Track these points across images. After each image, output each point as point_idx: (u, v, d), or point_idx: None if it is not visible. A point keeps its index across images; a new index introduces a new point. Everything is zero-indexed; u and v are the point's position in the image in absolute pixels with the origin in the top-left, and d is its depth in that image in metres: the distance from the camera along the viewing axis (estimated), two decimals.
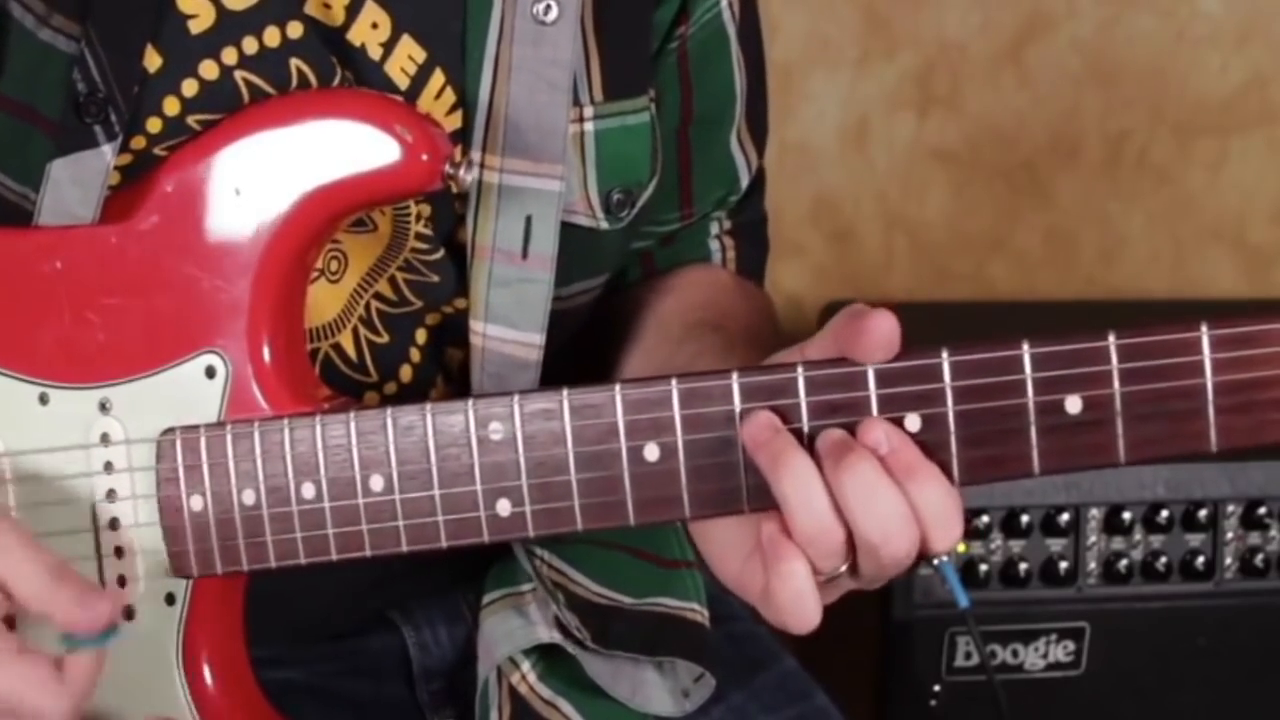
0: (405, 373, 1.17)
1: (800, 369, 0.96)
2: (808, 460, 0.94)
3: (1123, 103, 2.30)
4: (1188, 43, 2.29)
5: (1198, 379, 0.93)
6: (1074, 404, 0.94)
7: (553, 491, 1.00)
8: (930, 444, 0.95)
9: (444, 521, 1.02)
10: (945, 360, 0.95)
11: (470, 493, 1.01)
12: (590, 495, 0.99)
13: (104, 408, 1.05)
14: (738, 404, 0.97)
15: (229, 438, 1.03)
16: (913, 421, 0.95)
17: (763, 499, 0.97)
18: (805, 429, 0.96)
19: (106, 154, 1.05)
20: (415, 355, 1.17)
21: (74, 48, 1.04)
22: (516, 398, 1.00)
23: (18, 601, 0.98)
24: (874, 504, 0.93)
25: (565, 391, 0.99)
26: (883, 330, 0.93)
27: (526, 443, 1.00)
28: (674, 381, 0.98)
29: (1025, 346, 0.94)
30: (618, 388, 0.99)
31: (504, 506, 1.01)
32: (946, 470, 0.95)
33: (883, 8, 2.25)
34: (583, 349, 1.23)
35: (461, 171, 1.05)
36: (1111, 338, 0.93)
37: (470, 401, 1.01)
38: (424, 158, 1.04)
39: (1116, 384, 0.93)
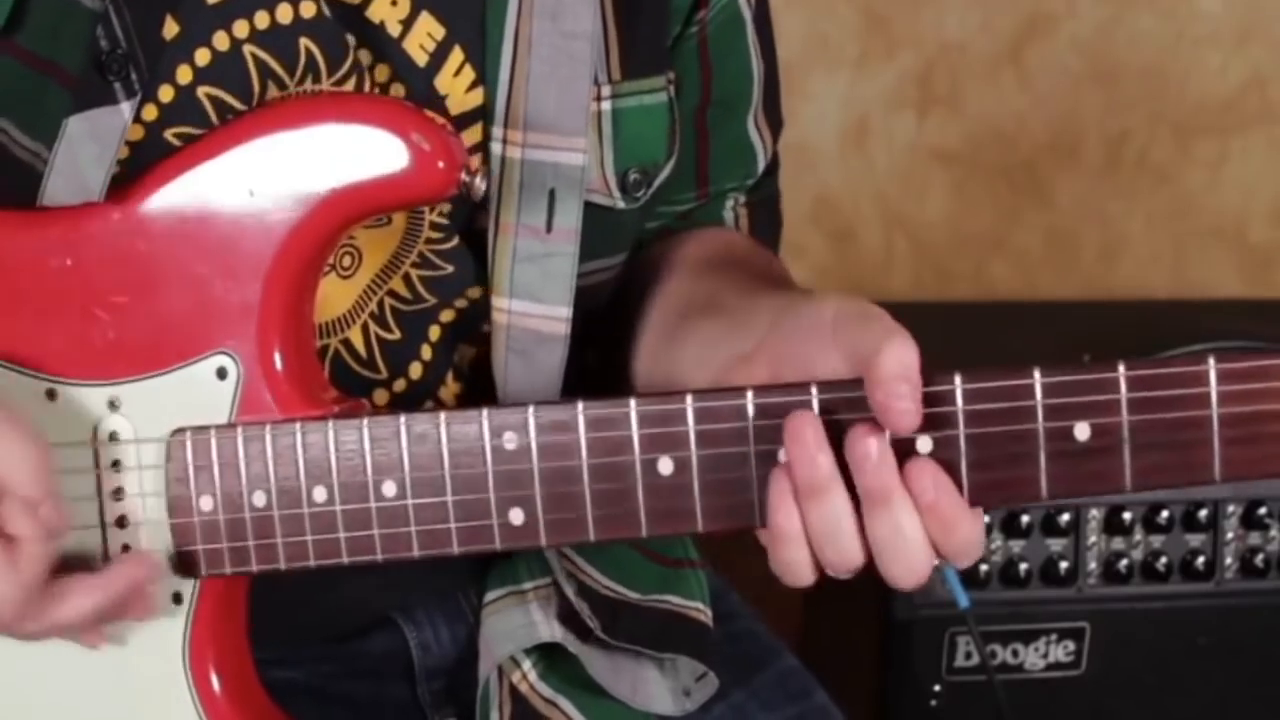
0: (415, 370, 1.17)
1: (814, 389, 0.97)
2: (844, 498, 0.96)
3: (1123, 103, 2.30)
4: (1188, 43, 2.30)
5: (1204, 410, 0.94)
6: (1083, 431, 0.95)
7: (566, 502, 1.00)
8: (940, 466, 0.96)
9: (456, 528, 1.02)
10: (958, 385, 0.96)
11: (483, 500, 1.01)
12: (603, 506, 1.00)
13: (113, 405, 1.05)
14: (751, 420, 0.98)
15: (240, 439, 1.03)
16: (924, 443, 0.96)
17: None
18: None
19: (125, 111, 1.05)
20: (427, 353, 1.17)
21: (99, 5, 1.04)
22: (531, 408, 1.01)
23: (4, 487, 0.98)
24: (903, 551, 0.96)
25: (580, 404, 1.00)
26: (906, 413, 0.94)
27: (540, 453, 1.00)
28: (689, 398, 0.99)
29: (1037, 374, 0.95)
30: (633, 402, 0.99)
31: (517, 515, 1.01)
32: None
33: (883, 8, 2.25)
34: (610, 322, 1.24)
35: (477, 180, 1.05)
36: (1121, 368, 0.95)
37: (485, 411, 1.01)
38: (440, 165, 1.04)
39: (1125, 413, 0.95)
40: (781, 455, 0.97)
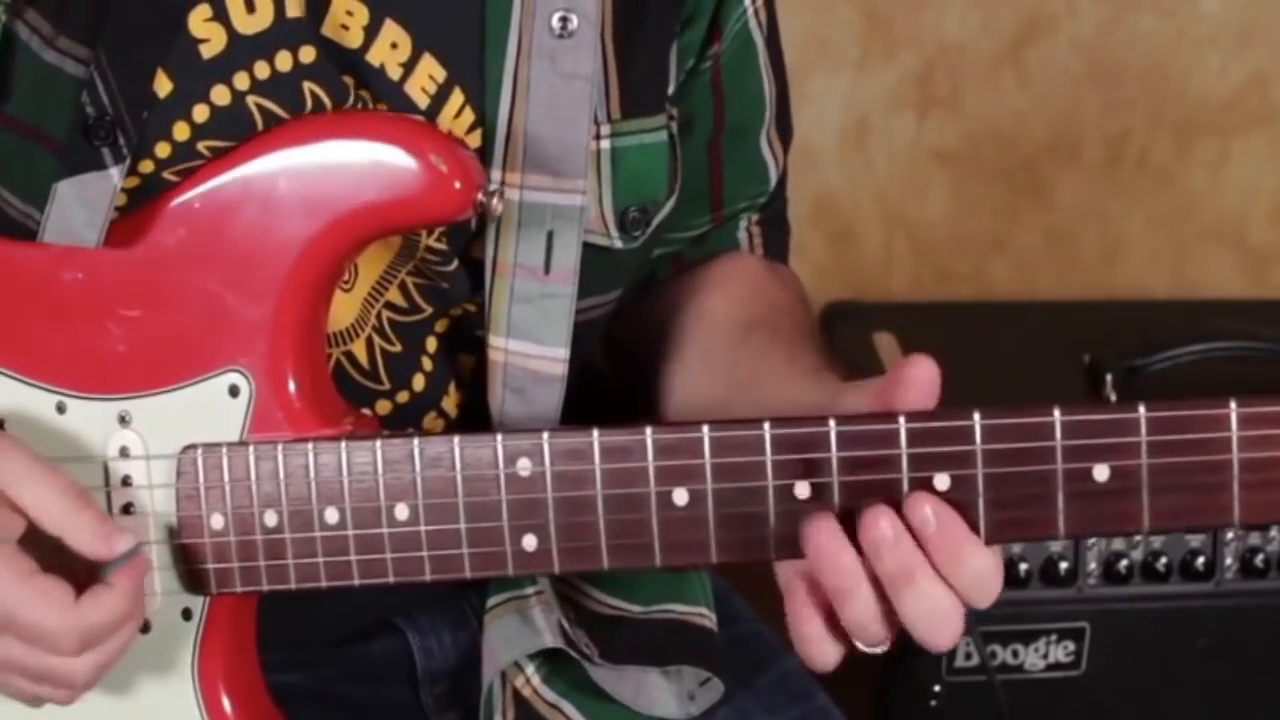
0: (418, 381, 1.17)
1: (833, 423, 0.97)
2: (870, 589, 0.96)
3: (1123, 103, 2.30)
4: (1188, 43, 2.29)
5: (1225, 455, 0.94)
6: (1102, 472, 0.95)
7: (580, 530, 1.00)
8: (958, 504, 0.96)
9: (469, 554, 1.02)
10: (977, 422, 0.96)
11: (497, 527, 1.01)
12: (617, 536, 1.00)
13: (123, 420, 1.05)
14: (769, 454, 0.98)
15: (252, 458, 1.03)
16: (942, 480, 0.96)
17: (789, 548, 0.98)
18: (834, 483, 0.97)
19: (114, 176, 1.04)
20: (427, 364, 1.17)
21: (83, 71, 1.04)
22: (546, 435, 1.00)
23: (35, 524, 0.98)
24: (938, 619, 0.96)
25: (596, 432, 1.00)
26: (923, 377, 0.96)
27: (555, 481, 1.00)
28: (706, 429, 0.98)
29: (1057, 413, 0.95)
30: (649, 431, 0.99)
31: (530, 542, 1.01)
32: (975, 531, 0.96)
33: (883, 8, 2.25)
34: (626, 354, 1.25)
35: (494, 201, 1.05)
36: (1142, 409, 0.95)
37: (499, 436, 1.01)
38: (457, 185, 1.03)
39: (1144, 455, 0.95)
40: (798, 491, 0.98)
